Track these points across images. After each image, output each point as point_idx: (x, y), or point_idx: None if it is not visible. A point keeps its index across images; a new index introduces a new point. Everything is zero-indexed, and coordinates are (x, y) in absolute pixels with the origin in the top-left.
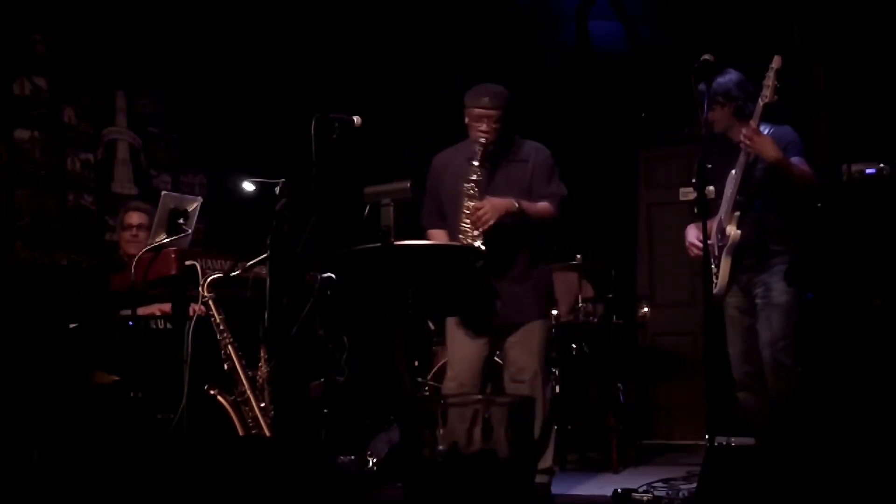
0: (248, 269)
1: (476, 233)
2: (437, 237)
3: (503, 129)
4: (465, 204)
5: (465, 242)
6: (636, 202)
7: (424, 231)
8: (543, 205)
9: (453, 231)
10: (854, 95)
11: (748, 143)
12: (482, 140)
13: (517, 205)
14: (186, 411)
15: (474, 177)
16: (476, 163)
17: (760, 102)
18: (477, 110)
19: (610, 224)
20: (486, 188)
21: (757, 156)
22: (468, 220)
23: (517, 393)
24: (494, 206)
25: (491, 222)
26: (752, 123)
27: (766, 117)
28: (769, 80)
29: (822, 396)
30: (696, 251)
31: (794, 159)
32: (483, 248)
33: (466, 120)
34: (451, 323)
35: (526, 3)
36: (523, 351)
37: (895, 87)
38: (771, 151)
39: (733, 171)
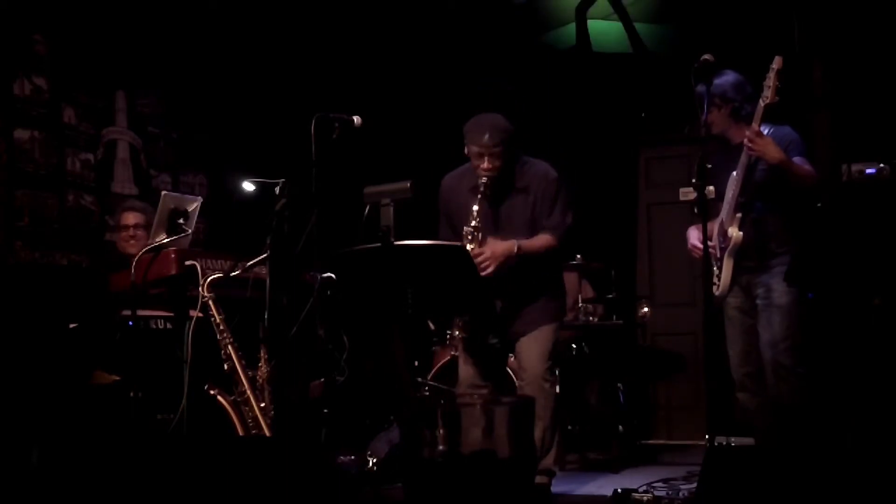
0: (248, 269)
1: None
2: None
3: (506, 161)
4: (466, 247)
5: None
6: (636, 202)
7: None
8: (545, 239)
9: None
10: (854, 95)
11: (751, 145)
12: (484, 179)
13: (517, 248)
14: (186, 411)
15: (474, 223)
16: (476, 207)
17: (761, 103)
18: (476, 148)
19: (610, 224)
20: (492, 226)
21: (759, 157)
22: None
23: (521, 392)
24: (495, 254)
25: (490, 270)
26: (754, 126)
27: (766, 117)
28: (770, 81)
29: (821, 396)
30: (699, 253)
31: (797, 159)
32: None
33: (466, 152)
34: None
35: (526, 2)
36: (530, 352)
37: (895, 86)
38: (774, 153)
39: (734, 173)
